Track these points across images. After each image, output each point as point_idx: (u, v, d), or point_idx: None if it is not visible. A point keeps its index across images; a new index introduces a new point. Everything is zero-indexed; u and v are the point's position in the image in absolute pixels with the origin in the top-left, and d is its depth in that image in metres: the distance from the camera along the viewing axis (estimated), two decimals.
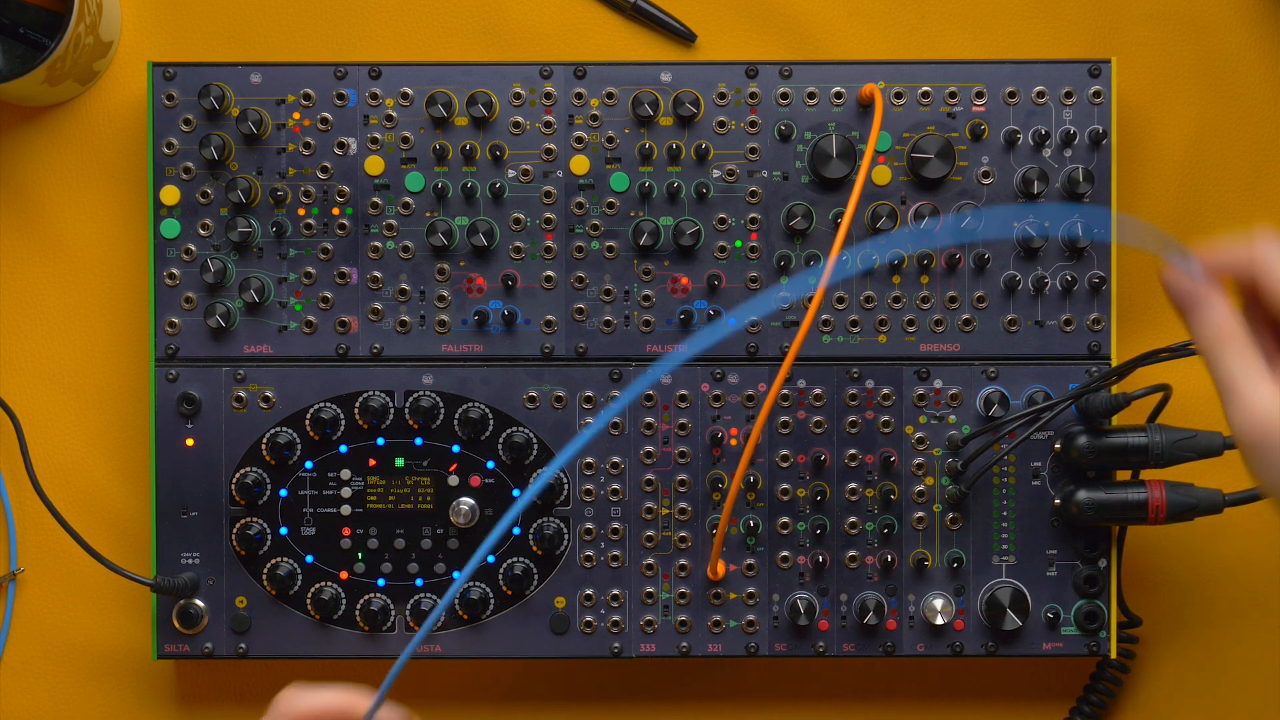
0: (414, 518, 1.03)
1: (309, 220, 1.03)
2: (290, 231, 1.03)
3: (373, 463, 1.03)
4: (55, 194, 1.07)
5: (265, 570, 1.03)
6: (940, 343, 1.03)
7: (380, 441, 1.03)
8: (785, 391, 1.04)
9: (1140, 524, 1.02)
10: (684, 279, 1.03)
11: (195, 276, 1.03)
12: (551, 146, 1.03)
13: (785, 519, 1.03)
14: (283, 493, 1.03)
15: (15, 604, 1.08)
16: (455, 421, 1.03)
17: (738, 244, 1.03)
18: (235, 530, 1.03)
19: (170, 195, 1.03)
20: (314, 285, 1.03)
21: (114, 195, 1.07)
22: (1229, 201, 1.08)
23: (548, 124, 1.03)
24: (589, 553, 1.04)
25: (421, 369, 1.03)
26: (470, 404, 1.03)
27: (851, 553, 1.03)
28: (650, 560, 1.04)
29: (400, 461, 1.03)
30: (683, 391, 1.03)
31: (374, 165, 1.03)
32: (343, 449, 1.03)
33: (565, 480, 1.03)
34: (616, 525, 1.03)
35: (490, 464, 1.03)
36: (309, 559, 1.03)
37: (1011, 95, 1.03)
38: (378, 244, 1.03)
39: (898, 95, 1.03)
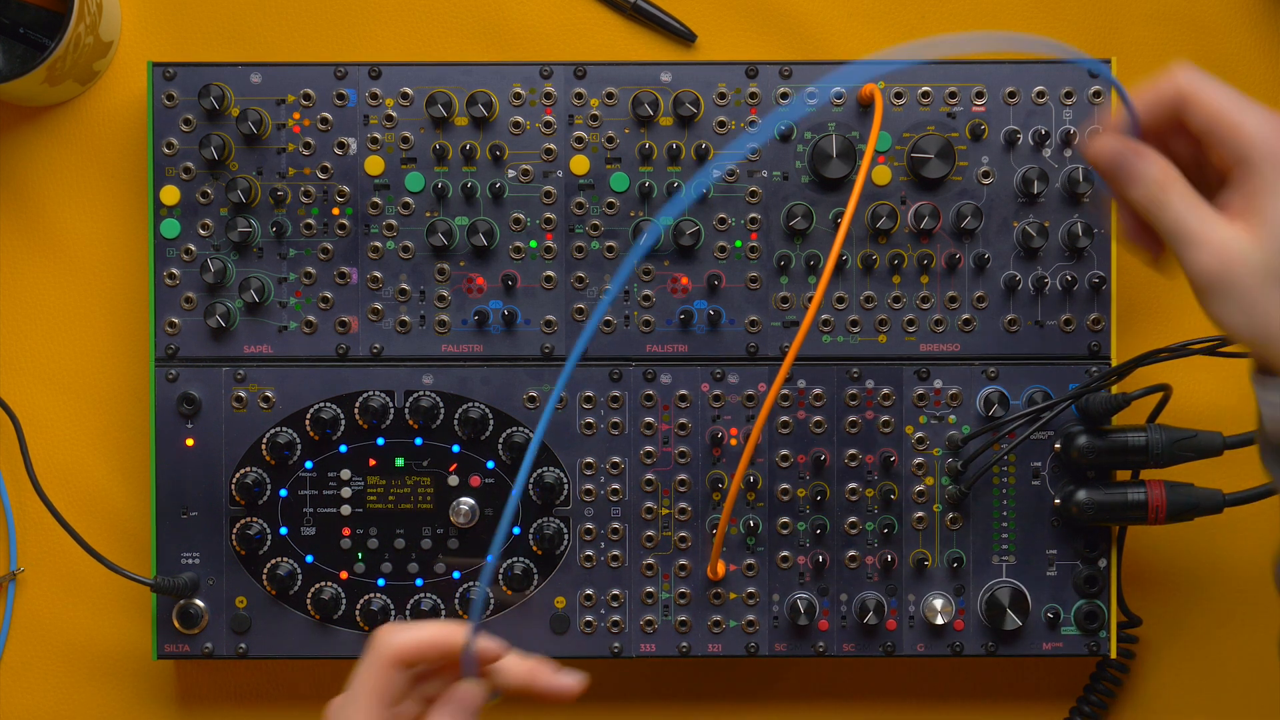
0: (414, 518, 1.03)
1: (309, 220, 1.03)
2: (290, 231, 1.03)
3: (373, 463, 1.03)
4: (55, 194, 1.07)
5: (265, 570, 1.03)
6: (940, 343, 1.04)
7: (380, 441, 1.03)
8: (785, 391, 1.04)
9: (1140, 524, 1.02)
10: (684, 279, 1.03)
11: (195, 276, 1.03)
12: (551, 146, 1.03)
13: (785, 519, 1.03)
14: (283, 493, 1.03)
15: (15, 604, 1.08)
16: (455, 421, 1.03)
17: (738, 244, 1.03)
18: (235, 530, 1.03)
19: (170, 195, 1.03)
20: (314, 285, 1.03)
21: (114, 195, 1.07)
22: None
23: (548, 124, 1.03)
24: (589, 553, 1.04)
25: (421, 369, 1.03)
26: (470, 404, 1.03)
27: (851, 553, 1.03)
28: (650, 560, 1.04)
29: (400, 461, 1.03)
30: (683, 391, 1.03)
31: (374, 165, 1.03)
32: (343, 449, 1.03)
33: (565, 480, 1.03)
34: (616, 525, 1.03)
35: (490, 464, 1.03)
36: (309, 559, 1.03)
37: (1011, 95, 1.03)
38: (378, 244, 1.03)
39: (898, 95, 1.03)
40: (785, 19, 1.08)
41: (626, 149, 1.03)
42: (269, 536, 1.03)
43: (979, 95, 1.03)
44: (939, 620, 1.03)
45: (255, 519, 1.03)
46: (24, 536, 1.08)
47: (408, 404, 1.03)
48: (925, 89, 1.03)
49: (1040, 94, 1.02)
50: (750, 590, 1.04)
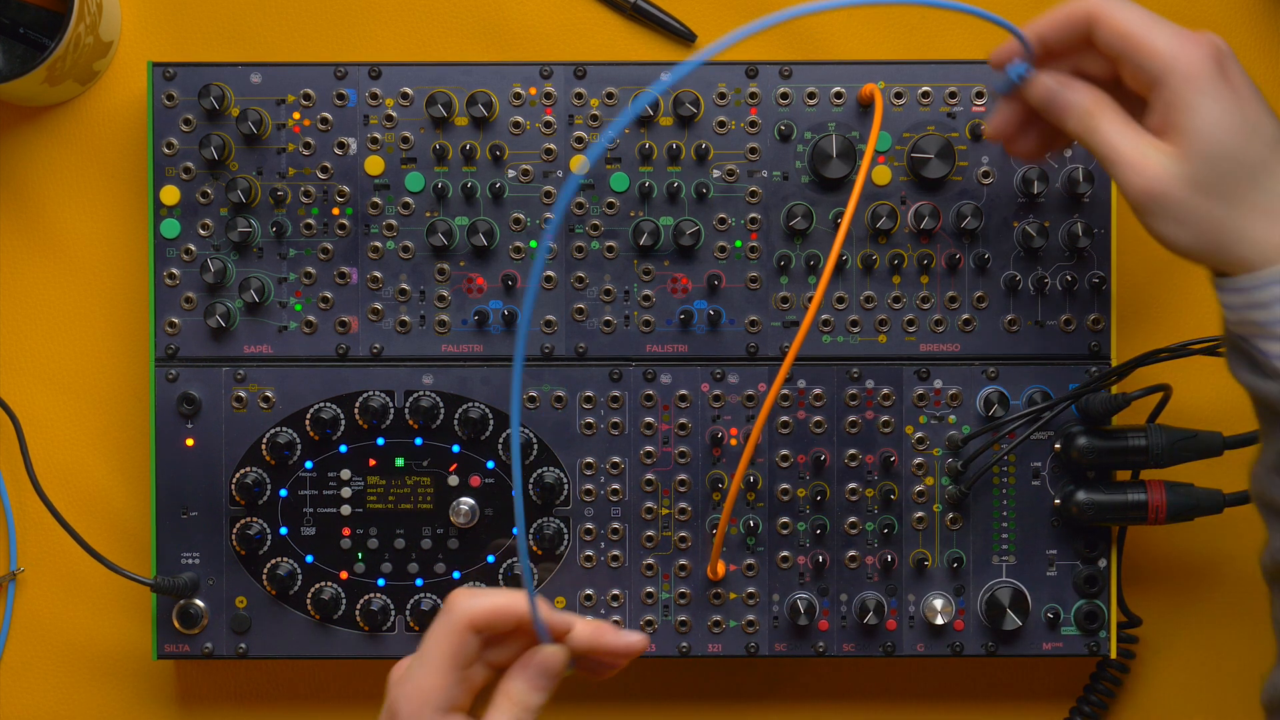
0: (414, 518, 1.03)
1: (309, 220, 1.03)
2: (290, 231, 1.03)
3: (373, 463, 1.03)
4: (55, 194, 1.07)
5: (265, 570, 1.03)
6: (940, 343, 1.04)
7: (380, 441, 1.03)
8: (785, 391, 1.04)
9: (1140, 524, 1.02)
10: (684, 279, 1.03)
11: (195, 276, 1.03)
12: (551, 146, 1.03)
13: (785, 519, 1.03)
14: (283, 493, 1.03)
15: (15, 604, 1.08)
16: (455, 421, 1.03)
17: (738, 244, 1.03)
18: (235, 530, 1.03)
19: (170, 195, 1.03)
20: (314, 285, 1.03)
21: (114, 195, 1.07)
22: None
23: (548, 124, 1.03)
24: (589, 553, 1.04)
25: (421, 369, 1.03)
26: (470, 404, 1.03)
27: (851, 553, 1.03)
28: (650, 560, 1.04)
29: (400, 461, 1.03)
30: (683, 391, 1.03)
31: (374, 165, 1.03)
32: (343, 449, 1.03)
33: (565, 480, 1.03)
34: (616, 525, 1.03)
35: (490, 464, 1.03)
36: (309, 559, 1.03)
37: None
38: (378, 244, 1.03)
39: (898, 95, 1.03)
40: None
41: (626, 149, 1.03)
42: (269, 536, 1.03)
43: (979, 95, 1.03)
44: (939, 620, 1.03)
45: (255, 519, 1.03)
46: (24, 536, 1.08)
47: (408, 404, 1.03)
48: (925, 89, 1.03)
49: None
50: (750, 590, 1.04)
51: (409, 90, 1.03)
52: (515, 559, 1.03)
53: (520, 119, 1.03)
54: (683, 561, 1.04)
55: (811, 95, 1.03)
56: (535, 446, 1.03)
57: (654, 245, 1.03)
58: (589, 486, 1.03)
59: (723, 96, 1.03)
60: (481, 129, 1.03)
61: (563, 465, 1.03)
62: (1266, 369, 0.86)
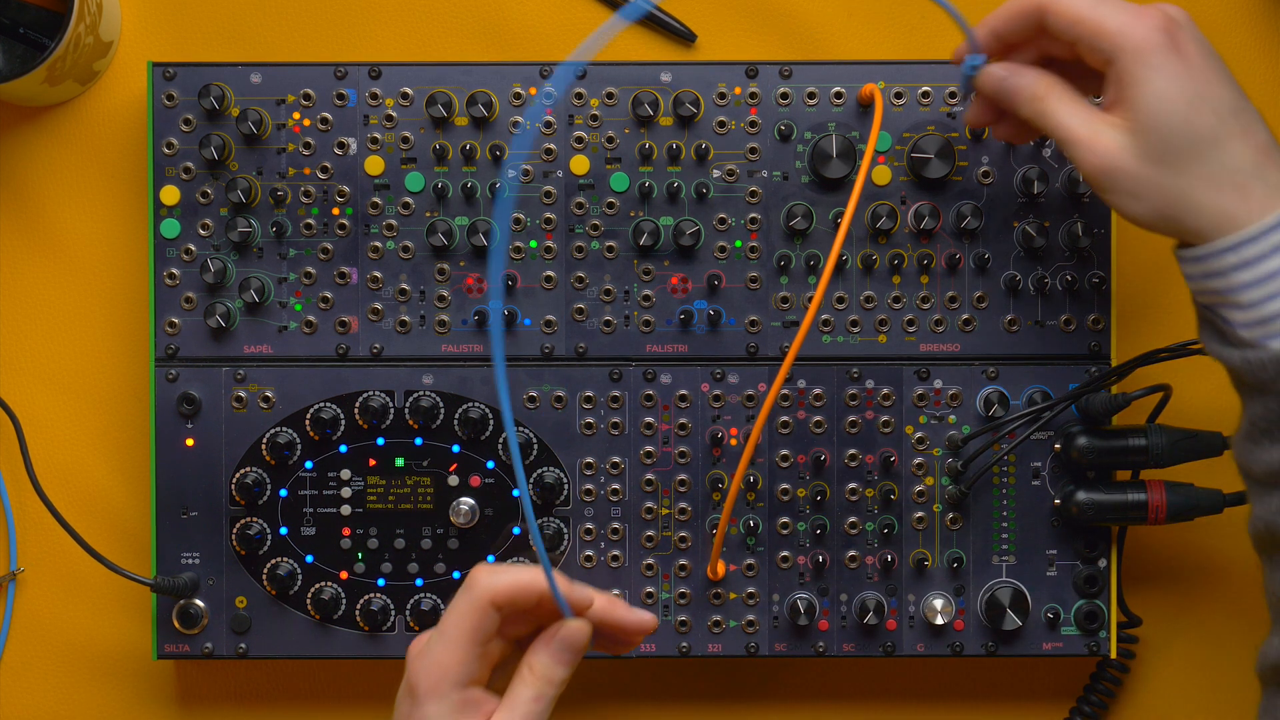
0: (414, 518, 1.03)
1: (309, 220, 1.03)
2: (290, 231, 1.03)
3: (373, 463, 1.03)
4: (55, 194, 1.07)
5: (265, 570, 1.03)
6: (940, 343, 1.03)
7: (380, 441, 1.03)
8: (785, 391, 1.04)
9: (1140, 524, 1.02)
10: (684, 279, 1.03)
11: (195, 276, 1.03)
12: (551, 146, 1.03)
13: (785, 519, 1.03)
14: (283, 493, 1.03)
15: (15, 604, 1.08)
16: (455, 421, 1.03)
17: (738, 244, 1.03)
18: (235, 530, 1.03)
19: (170, 195, 1.03)
20: (314, 285, 1.03)
21: (114, 195, 1.07)
22: None
23: (548, 124, 1.03)
24: (589, 553, 1.04)
25: (421, 369, 1.03)
26: (470, 404, 1.03)
27: (851, 553, 1.03)
28: (650, 560, 1.04)
29: (400, 461, 1.03)
30: (683, 391, 1.03)
31: (374, 165, 1.03)
32: (343, 449, 1.03)
33: (565, 480, 1.03)
34: (616, 525, 1.03)
35: (490, 464, 1.03)
36: (309, 559, 1.03)
37: None
38: (378, 244, 1.03)
39: (898, 95, 1.03)
40: (785, 19, 1.08)
41: (626, 149, 1.03)
42: (269, 536, 1.03)
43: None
44: (939, 620, 1.03)
45: (255, 519, 1.03)
46: (24, 536, 1.08)
47: (408, 404, 1.03)
48: (925, 89, 1.03)
49: None
50: (750, 590, 1.04)
51: (409, 90, 1.03)
52: (516, 559, 1.03)
53: (520, 119, 1.03)
54: (683, 561, 1.04)
55: (811, 95, 1.03)
56: (535, 446, 1.03)
57: (654, 245, 1.03)
58: (589, 486, 1.03)
59: (723, 96, 1.03)
60: (481, 129, 1.03)
61: (563, 465, 1.03)
62: (1231, 338, 0.88)
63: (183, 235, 1.03)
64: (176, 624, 1.03)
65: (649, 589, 1.04)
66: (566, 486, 1.03)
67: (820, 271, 1.03)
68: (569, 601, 0.88)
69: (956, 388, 1.03)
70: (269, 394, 1.03)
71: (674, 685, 1.09)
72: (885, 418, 1.03)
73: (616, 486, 1.03)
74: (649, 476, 1.03)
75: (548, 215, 1.03)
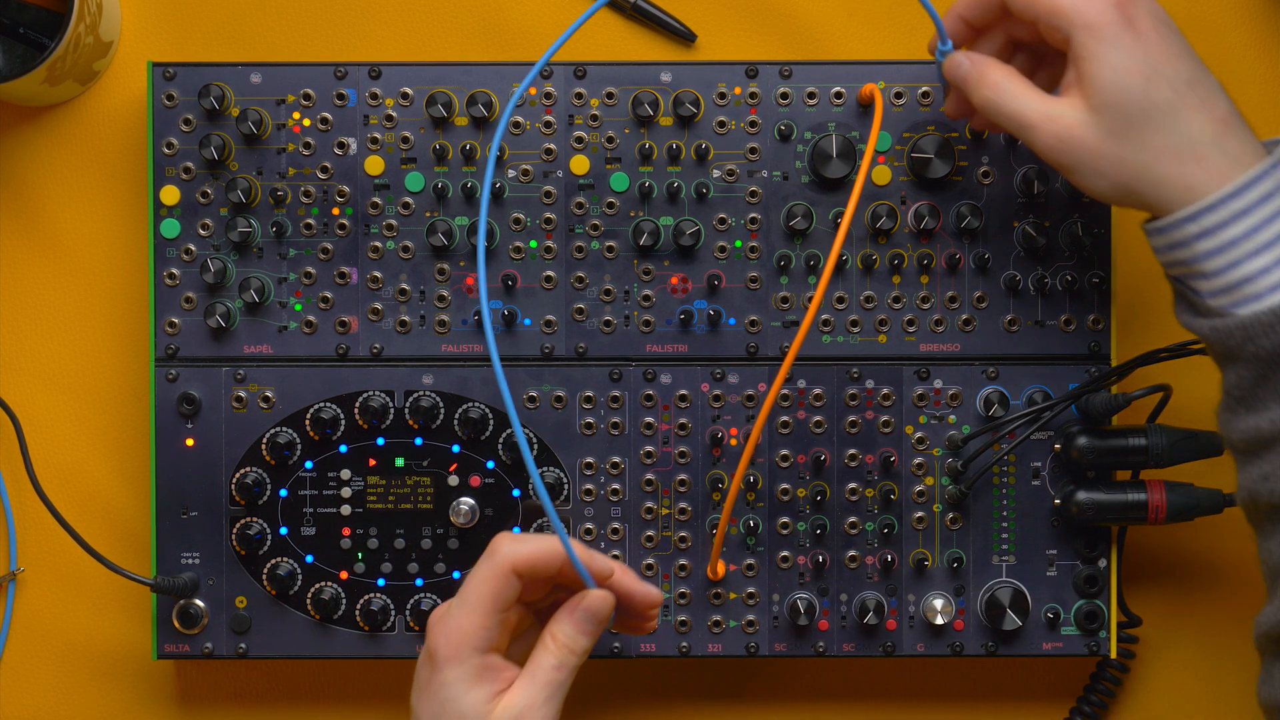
0: (414, 518, 1.03)
1: (309, 220, 1.03)
2: (290, 231, 1.03)
3: (373, 463, 1.03)
4: (55, 194, 1.07)
5: (265, 570, 1.03)
6: (940, 343, 1.04)
7: (380, 441, 1.03)
8: (785, 391, 1.04)
9: (1140, 524, 1.02)
10: (684, 279, 1.03)
11: (195, 276, 1.03)
12: (551, 146, 1.03)
13: (785, 519, 1.03)
14: (283, 493, 1.03)
15: (15, 604, 1.08)
16: (455, 421, 1.03)
17: (738, 244, 1.03)
18: (235, 530, 1.03)
19: (170, 195, 1.03)
20: (314, 285, 1.03)
21: (114, 195, 1.07)
22: None
23: (548, 124, 1.03)
24: None
25: (421, 369, 1.03)
26: (470, 404, 1.03)
27: (851, 553, 1.03)
28: (650, 560, 1.04)
29: (400, 461, 1.03)
30: (683, 391, 1.03)
31: (374, 165, 1.03)
32: (343, 449, 1.03)
33: (565, 480, 1.03)
34: (616, 525, 1.03)
35: (490, 464, 1.03)
36: (309, 559, 1.03)
37: None
38: (378, 244, 1.03)
39: (898, 95, 1.03)
40: (785, 19, 1.08)
41: (626, 149, 1.03)
42: (269, 536, 1.03)
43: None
44: (939, 620, 1.03)
45: (255, 519, 1.03)
46: (24, 536, 1.08)
47: (408, 404, 1.03)
48: (925, 89, 1.03)
49: None
50: (750, 590, 1.04)
51: (409, 90, 1.03)
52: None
53: (520, 119, 1.03)
54: (683, 561, 1.04)
55: (811, 95, 1.03)
56: (535, 446, 1.03)
57: (654, 245, 1.03)
58: (589, 486, 1.03)
59: (723, 96, 1.03)
60: (481, 129, 1.03)
61: (563, 465, 1.03)
62: (1201, 308, 0.90)
63: (183, 235, 1.03)
64: (176, 624, 1.03)
65: None
66: (566, 486, 1.03)
67: (820, 271, 1.03)
68: (590, 570, 0.90)
69: (956, 388, 1.03)
70: (269, 394, 1.03)
71: (674, 685, 1.09)
72: (885, 418, 1.03)
73: (616, 486, 1.03)
74: (649, 476, 1.03)
75: (548, 215, 1.03)
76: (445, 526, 1.03)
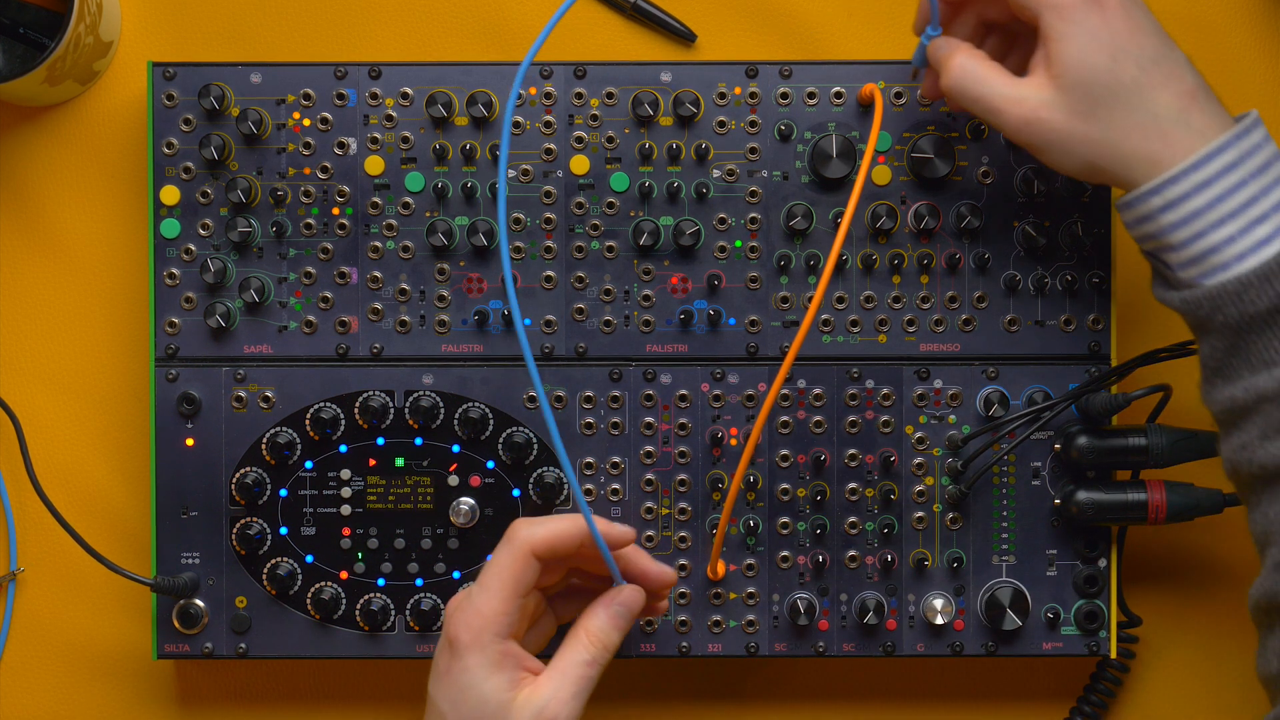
0: (414, 518, 1.03)
1: (309, 220, 1.03)
2: (290, 231, 1.03)
3: (373, 463, 1.03)
4: (55, 194, 1.07)
5: (265, 570, 1.03)
6: (940, 343, 1.04)
7: (380, 441, 1.03)
8: (785, 391, 1.04)
9: (1140, 524, 1.02)
10: (684, 279, 1.03)
11: (195, 276, 1.03)
12: (551, 146, 1.03)
13: (785, 519, 1.03)
14: (283, 493, 1.03)
15: (15, 604, 1.08)
16: (455, 421, 1.03)
17: (738, 244, 1.03)
18: (235, 530, 1.03)
19: (170, 195, 1.03)
20: (314, 285, 1.03)
21: (114, 195, 1.07)
22: None
23: (548, 124, 1.03)
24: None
25: (421, 369, 1.03)
26: (470, 404, 1.03)
27: (851, 553, 1.03)
28: None
29: (400, 461, 1.03)
30: (683, 391, 1.03)
31: (374, 165, 1.03)
32: (343, 449, 1.03)
33: (565, 480, 1.03)
34: None
35: (490, 464, 1.03)
36: (309, 559, 1.03)
37: None
38: (378, 244, 1.03)
39: (898, 95, 1.03)
40: (785, 19, 1.08)
41: (626, 149, 1.03)
42: (269, 536, 1.03)
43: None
44: (939, 620, 1.03)
45: (255, 519, 1.03)
46: (24, 536, 1.08)
47: (408, 404, 1.03)
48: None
49: None
50: (750, 590, 1.04)
51: (409, 90, 1.03)
52: None
53: (520, 119, 1.03)
54: (683, 561, 1.04)
55: (811, 95, 1.03)
56: (535, 446, 1.03)
57: (654, 245, 1.03)
58: (589, 486, 1.03)
59: (723, 96, 1.03)
60: (481, 129, 1.03)
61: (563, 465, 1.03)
62: (1173, 281, 0.91)
63: (183, 235, 1.03)
64: (176, 624, 1.03)
65: None
66: (567, 486, 1.03)
67: (820, 271, 1.03)
68: (609, 538, 0.91)
69: (956, 388, 1.03)
70: (269, 394, 1.03)
71: (674, 685, 1.09)
72: (885, 418, 1.03)
73: (616, 486, 1.03)
74: (649, 476, 1.03)
75: (548, 215, 1.03)
76: (445, 526, 1.03)
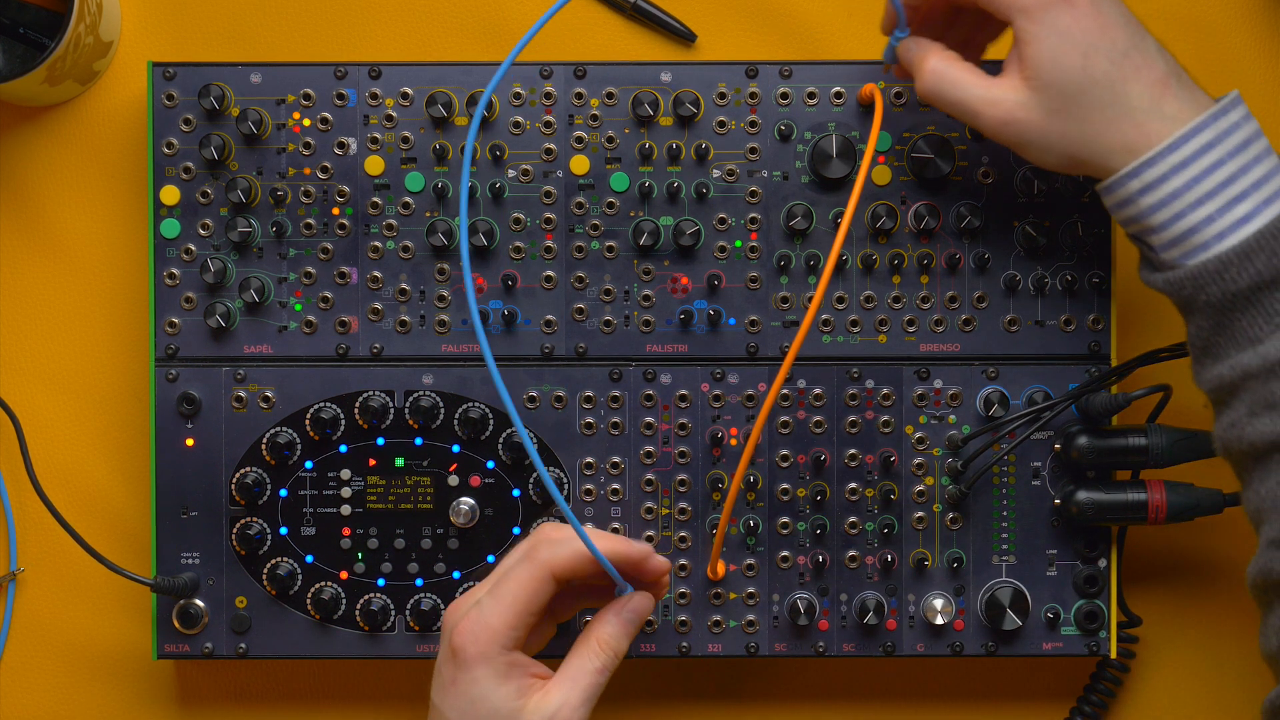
0: (414, 518, 1.03)
1: (309, 220, 1.03)
2: (290, 231, 1.03)
3: (373, 463, 1.03)
4: (55, 194, 1.07)
5: (265, 570, 1.03)
6: (940, 343, 1.04)
7: (380, 441, 1.03)
8: (785, 391, 1.04)
9: (1140, 524, 1.02)
10: (684, 279, 1.03)
11: (195, 276, 1.03)
12: (551, 146, 1.03)
13: (785, 519, 1.03)
14: (283, 493, 1.03)
15: (15, 604, 1.08)
16: (455, 421, 1.03)
17: (738, 244, 1.03)
18: (235, 530, 1.03)
19: (170, 195, 1.03)
20: (314, 285, 1.03)
21: (114, 195, 1.07)
22: None
23: (548, 124, 1.03)
24: None
25: (421, 369, 1.03)
26: (470, 404, 1.03)
27: (851, 553, 1.03)
28: None
29: (400, 461, 1.03)
30: (683, 391, 1.03)
31: (374, 165, 1.03)
32: (343, 449, 1.03)
33: (565, 480, 1.03)
34: (616, 525, 1.03)
35: (490, 464, 1.03)
36: (309, 559, 1.03)
37: None
38: (378, 244, 1.03)
39: (898, 95, 1.03)
40: (785, 19, 1.08)
41: (626, 149, 1.03)
42: (269, 536, 1.03)
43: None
44: (939, 620, 1.03)
45: (255, 519, 1.03)
46: (24, 536, 1.08)
47: (408, 404, 1.03)
48: None
49: None
50: (750, 590, 1.03)
51: (409, 90, 1.03)
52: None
53: (520, 119, 1.03)
54: (683, 561, 1.04)
55: (811, 95, 1.03)
56: (535, 446, 1.03)
57: (654, 245, 1.03)
58: (589, 486, 1.03)
59: (723, 96, 1.03)
60: (482, 129, 1.03)
61: (563, 465, 1.03)
62: (1157, 264, 0.92)
63: (183, 235, 1.03)
64: (176, 624, 1.03)
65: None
66: (566, 486, 1.03)
67: (820, 271, 1.03)
68: (627, 556, 0.93)
69: (956, 388, 1.03)
70: (269, 394, 1.03)
71: (674, 685, 1.09)
72: (885, 418, 1.03)
73: (616, 486, 1.03)
74: (649, 476, 1.03)
75: (548, 215, 1.03)
76: (445, 526, 1.03)
